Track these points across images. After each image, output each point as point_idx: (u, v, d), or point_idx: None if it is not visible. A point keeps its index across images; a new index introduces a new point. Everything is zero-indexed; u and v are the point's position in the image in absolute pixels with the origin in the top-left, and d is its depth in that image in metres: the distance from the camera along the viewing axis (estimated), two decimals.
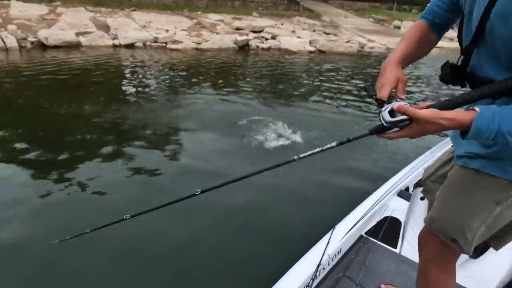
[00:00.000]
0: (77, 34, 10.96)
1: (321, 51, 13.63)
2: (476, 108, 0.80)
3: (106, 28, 12.52)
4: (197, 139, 4.34)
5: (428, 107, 0.88)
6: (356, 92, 7.31)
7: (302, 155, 1.10)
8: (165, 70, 8.62)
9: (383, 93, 0.95)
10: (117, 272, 2.21)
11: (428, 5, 1.12)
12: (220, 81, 7.72)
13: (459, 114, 0.82)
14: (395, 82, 0.98)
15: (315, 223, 2.52)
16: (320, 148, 1.06)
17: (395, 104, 0.89)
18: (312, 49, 13.75)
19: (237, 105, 5.80)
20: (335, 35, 17.13)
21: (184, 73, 8.32)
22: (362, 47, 15.14)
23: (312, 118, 5.25)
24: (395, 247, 2.08)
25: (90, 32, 11.49)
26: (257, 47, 13.24)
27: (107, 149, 3.86)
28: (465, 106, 0.92)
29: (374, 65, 11.75)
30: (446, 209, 1.09)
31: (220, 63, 10.07)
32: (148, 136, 4.31)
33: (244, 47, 13.04)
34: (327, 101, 6.45)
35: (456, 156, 1.10)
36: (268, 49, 13.25)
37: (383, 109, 0.91)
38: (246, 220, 2.76)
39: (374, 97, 0.98)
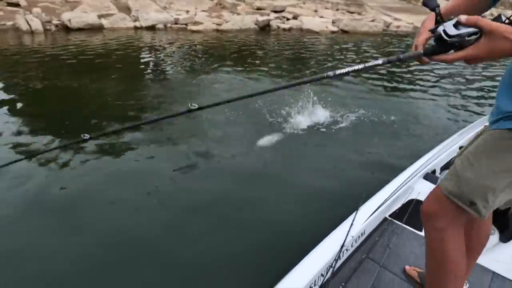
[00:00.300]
0: (99, 17, 11.07)
1: (344, 31, 13.16)
2: None
3: (127, 10, 12.56)
4: (217, 120, 4.33)
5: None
6: (376, 76, 7.02)
7: (338, 71, 0.93)
8: (186, 51, 8.60)
9: (420, 39, 0.89)
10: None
11: None
12: (240, 63, 7.63)
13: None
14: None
15: (339, 203, 2.48)
16: (363, 65, 0.90)
17: (462, 16, 0.74)
18: (335, 29, 13.28)
19: (257, 85, 5.73)
20: (359, 13, 16.44)
21: (205, 55, 8.27)
22: (388, 26, 14.48)
23: (334, 98, 5.11)
24: (420, 230, 2.01)
25: (112, 14, 11.57)
26: (278, 27, 12.93)
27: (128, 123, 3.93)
28: None
29: (398, 45, 11.23)
30: (470, 171, 1.04)
31: (240, 44, 9.93)
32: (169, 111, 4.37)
33: (265, 28, 12.77)
34: (346, 84, 6.25)
35: (490, 123, 1.06)
36: (290, 29, 12.92)
37: (446, 22, 0.76)
38: (271, 196, 2.76)
39: (437, 10, 0.86)
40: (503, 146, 0.98)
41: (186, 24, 11.98)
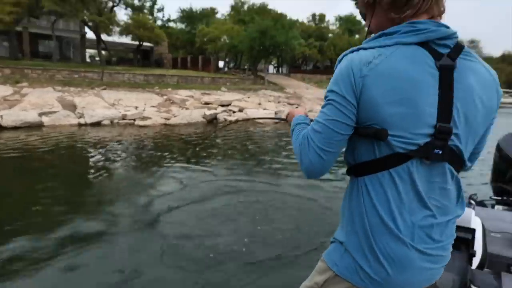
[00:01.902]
0: (40, 114, 10.86)
1: (286, 121, 14.30)
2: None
3: (73, 107, 12.57)
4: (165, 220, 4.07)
5: None
6: None
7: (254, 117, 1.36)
8: (133, 147, 8.51)
9: None
10: None
11: None
12: (188, 156, 7.68)
13: (302, 112, 1.15)
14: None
15: None
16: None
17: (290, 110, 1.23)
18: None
19: (207, 177, 5.67)
20: (298, 105, 18.30)
21: (152, 150, 8.23)
22: None
23: (276, 195, 5.19)
24: None
25: (55, 112, 11.45)
26: (225, 119, 13.71)
27: (61, 232, 3.48)
28: None
29: None
30: None
31: (188, 137, 10.17)
32: (113, 213, 3.99)
33: (212, 121, 13.44)
34: (288, 172, 6.50)
35: None
36: (236, 121, 13.75)
37: None
38: None
39: None
40: None
41: (134, 119, 12.18)
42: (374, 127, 0.79)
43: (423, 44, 0.78)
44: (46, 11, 21.34)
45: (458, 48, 0.80)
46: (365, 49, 0.81)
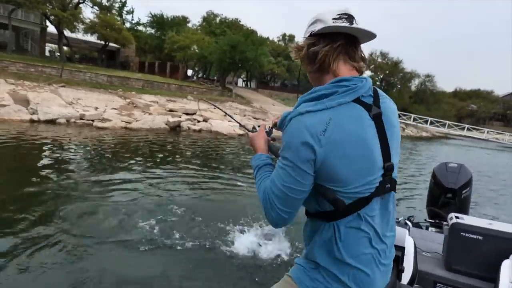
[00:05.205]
0: None
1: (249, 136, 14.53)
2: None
3: (25, 102, 11.82)
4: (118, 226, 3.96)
5: (272, 143, 1.19)
6: None
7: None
8: (86, 148, 8.17)
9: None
10: None
11: None
12: (148, 161, 7.52)
13: (263, 148, 1.15)
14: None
15: None
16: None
17: (262, 123, 1.29)
18: (242, 132, 14.59)
19: (166, 184, 5.59)
20: (263, 120, 18.67)
21: (107, 152, 7.95)
22: None
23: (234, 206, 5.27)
24: None
25: (5, 105, 10.69)
26: (189, 128, 13.61)
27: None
28: None
29: None
30: None
31: (148, 143, 9.96)
32: (62, 219, 3.80)
33: (175, 128, 13.29)
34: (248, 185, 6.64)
35: None
36: (200, 130, 13.71)
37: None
38: None
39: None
40: None
41: (92, 120, 11.70)
42: (333, 193, 0.88)
43: (356, 99, 0.91)
44: None
45: (376, 95, 0.96)
46: (311, 111, 0.87)
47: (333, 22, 0.91)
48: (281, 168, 0.91)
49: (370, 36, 0.95)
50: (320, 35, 0.94)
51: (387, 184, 0.94)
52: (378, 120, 0.93)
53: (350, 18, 0.92)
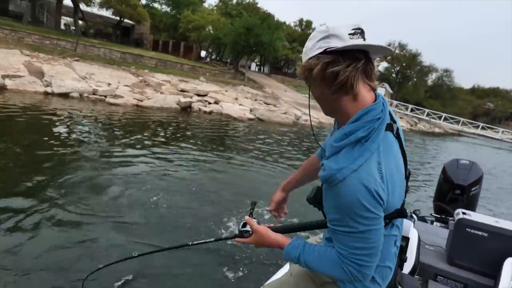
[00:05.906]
0: (4, 77, 10.25)
1: (260, 119, 14.51)
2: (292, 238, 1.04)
3: (40, 74, 11.97)
4: (125, 202, 4.06)
5: (270, 227, 1.13)
6: (281, 160, 7.73)
7: (195, 242, 1.42)
8: (99, 123, 8.28)
9: (269, 208, 1.41)
10: None
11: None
12: (159, 138, 7.61)
13: (281, 238, 1.05)
14: (277, 203, 1.40)
15: None
16: (202, 241, 1.41)
17: (246, 217, 1.16)
18: (252, 116, 14.59)
19: (176, 161, 5.68)
20: (274, 105, 18.57)
21: (119, 128, 8.06)
22: (298, 119, 16.53)
23: (241, 187, 5.33)
24: None
25: (20, 76, 10.85)
26: (200, 109, 13.65)
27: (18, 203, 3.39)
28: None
29: (302, 137, 12.72)
30: None
31: (159, 121, 10.05)
32: (75, 193, 3.93)
33: (186, 109, 13.33)
34: (256, 168, 6.68)
35: None
36: (210, 112, 13.73)
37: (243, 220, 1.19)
38: None
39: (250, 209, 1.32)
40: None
41: (105, 96, 11.81)
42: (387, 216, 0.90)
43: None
44: None
45: (391, 116, 0.95)
46: (362, 165, 0.83)
47: (350, 38, 0.84)
48: (364, 231, 0.85)
49: (385, 52, 0.89)
50: (339, 53, 0.84)
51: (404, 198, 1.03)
52: (399, 138, 0.97)
53: (363, 33, 0.86)
